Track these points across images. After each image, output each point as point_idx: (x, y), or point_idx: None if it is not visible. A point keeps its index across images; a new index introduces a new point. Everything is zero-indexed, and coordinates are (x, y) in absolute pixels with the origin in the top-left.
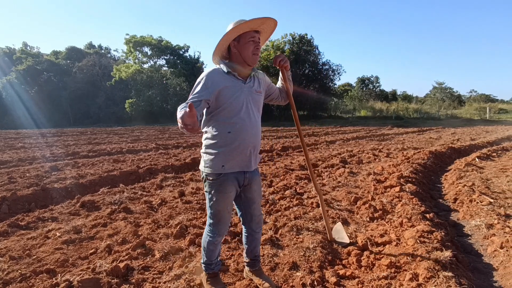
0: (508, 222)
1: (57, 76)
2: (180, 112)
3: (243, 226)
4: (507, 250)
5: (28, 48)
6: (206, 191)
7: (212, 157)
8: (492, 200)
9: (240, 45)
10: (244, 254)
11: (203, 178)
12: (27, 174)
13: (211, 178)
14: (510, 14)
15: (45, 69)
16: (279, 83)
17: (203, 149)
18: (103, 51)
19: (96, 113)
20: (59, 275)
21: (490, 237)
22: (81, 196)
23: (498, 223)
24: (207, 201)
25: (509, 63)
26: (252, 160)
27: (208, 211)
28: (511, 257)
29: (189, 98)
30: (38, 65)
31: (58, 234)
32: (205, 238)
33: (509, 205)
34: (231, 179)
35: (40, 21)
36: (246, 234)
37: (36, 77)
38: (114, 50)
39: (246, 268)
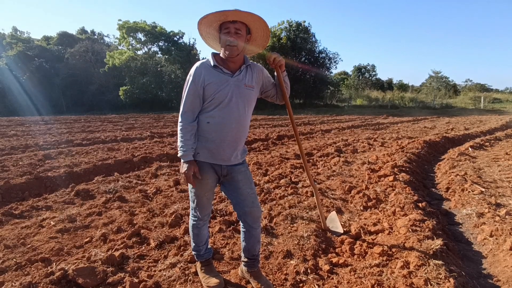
0: (499, 211)
1: (48, 62)
2: (182, 163)
3: (240, 221)
4: (496, 239)
5: (18, 33)
6: None
7: None
8: (483, 190)
9: (221, 35)
10: (242, 253)
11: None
12: (20, 163)
13: None
14: (505, 6)
15: (36, 55)
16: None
17: None
18: (95, 36)
19: (90, 100)
20: (54, 263)
21: (481, 225)
22: (75, 184)
23: (489, 212)
24: (189, 185)
25: (504, 53)
26: (230, 155)
27: (189, 195)
28: (500, 245)
29: (183, 100)
30: (29, 50)
31: (52, 223)
32: (190, 222)
33: (500, 194)
34: (206, 167)
35: (29, 4)
36: (244, 230)
37: (27, 63)
38: (105, 36)
39: (244, 268)
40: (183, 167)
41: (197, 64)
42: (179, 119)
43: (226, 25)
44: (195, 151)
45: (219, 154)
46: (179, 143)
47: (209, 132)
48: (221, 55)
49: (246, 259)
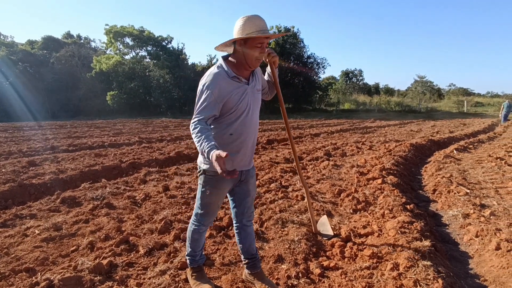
0: (483, 212)
1: (33, 67)
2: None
3: (234, 223)
4: (482, 239)
5: (1, 37)
6: (200, 183)
7: None
8: (468, 191)
9: (246, 46)
10: (241, 256)
11: (200, 171)
12: (3, 170)
13: (209, 174)
14: (487, 12)
15: (20, 60)
16: (265, 76)
17: None
18: (82, 41)
19: (76, 106)
20: (39, 273)
21: (466, 226)
22: (61, 192)
23: (474, 213)
24: (198, 192)
25: (485, 59)
26: (250, 159)
27: (197, 202)
28: (486, 245)
29: (198, 108)
30: (12, 55)
31: (37, 231)
32: (190, 228)
33: (484, 195)
34: None
35: (13, 8)
36: (238, 231)
37: (11, 67)
38: (92, 40)
39: (246, 271)
40: (218, 163)
41: (215, 74)
42: (196, 123)
43: (261, 40)
44: None
45: (241, 161)
46: (201, 143)
47: (233, 142)
48: (237, 62)
49: (246, 260)
